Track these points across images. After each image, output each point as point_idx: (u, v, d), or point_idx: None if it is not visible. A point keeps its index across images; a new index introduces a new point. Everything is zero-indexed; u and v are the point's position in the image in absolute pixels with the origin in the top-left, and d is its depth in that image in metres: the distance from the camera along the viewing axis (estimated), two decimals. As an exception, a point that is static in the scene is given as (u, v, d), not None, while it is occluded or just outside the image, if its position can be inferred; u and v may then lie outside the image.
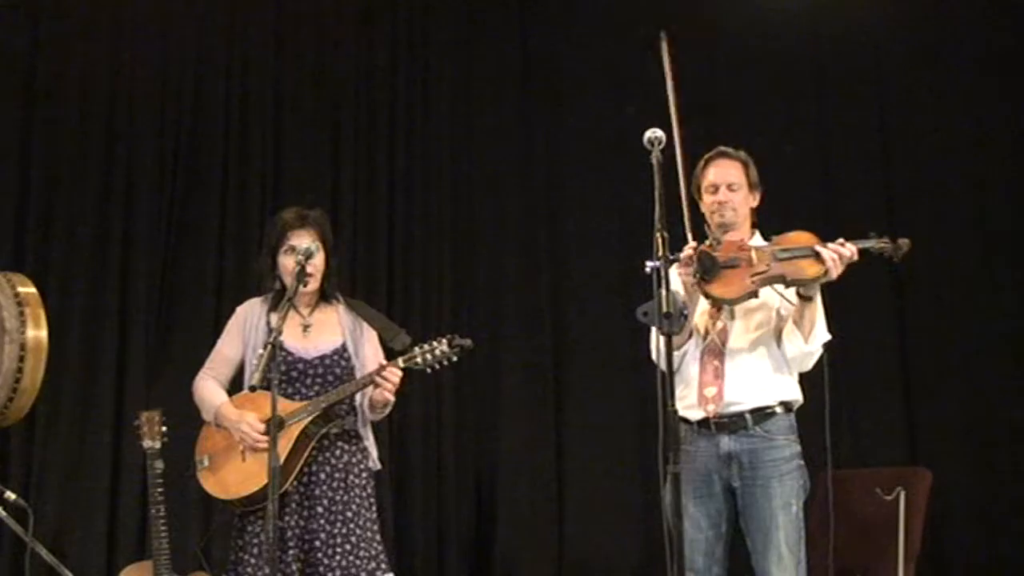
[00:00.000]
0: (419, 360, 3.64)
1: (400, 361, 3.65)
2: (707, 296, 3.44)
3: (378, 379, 3.64)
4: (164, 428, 4.33)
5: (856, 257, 3.34)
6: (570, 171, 5.57)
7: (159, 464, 4.29)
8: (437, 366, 3.66)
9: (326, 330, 3.84)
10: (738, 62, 5.60)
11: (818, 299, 3.43)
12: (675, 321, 2.94)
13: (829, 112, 5.58)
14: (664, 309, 2.92)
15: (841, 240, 3.35)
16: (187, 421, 4.91)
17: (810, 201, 5.41)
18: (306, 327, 3.83)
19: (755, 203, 3.62)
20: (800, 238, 3.42)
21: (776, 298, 3.46)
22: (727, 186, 3.56)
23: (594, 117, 5.54)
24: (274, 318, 3.71)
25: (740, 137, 5.42)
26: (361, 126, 5.49)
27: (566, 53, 5.62)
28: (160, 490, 4.26)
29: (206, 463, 3.83)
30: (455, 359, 3.66)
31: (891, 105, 5.54)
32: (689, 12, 5.54)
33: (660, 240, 3.03)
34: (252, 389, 3.40)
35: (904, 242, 3.37)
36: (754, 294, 3.39)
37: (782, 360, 3.47)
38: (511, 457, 5.34)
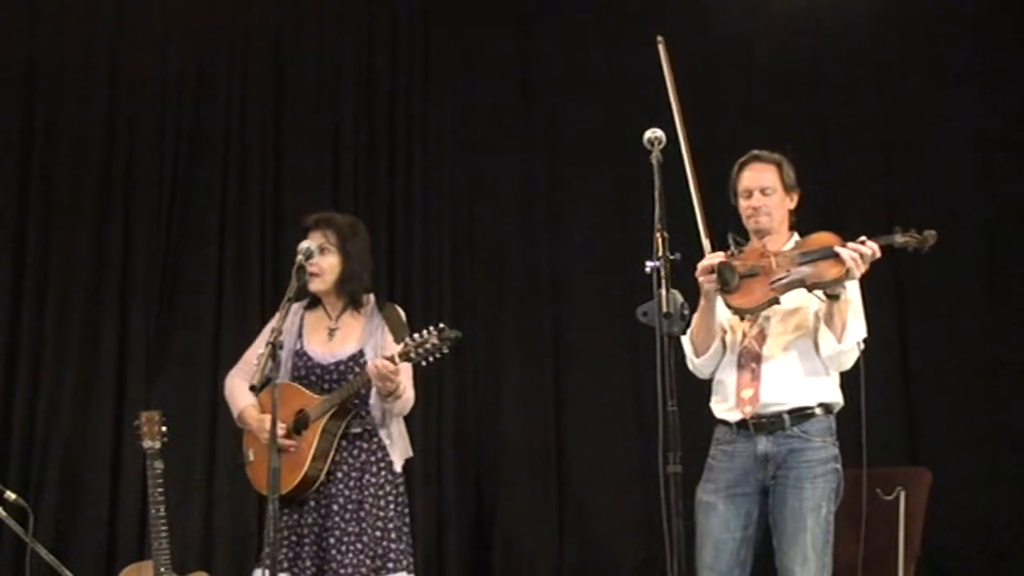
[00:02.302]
0: (412, 355, 3.64)
1: (396, 357, 3.66)
2: (729, 307, 3.44)
3: (369, 366, 3.67)
4: (164, 428, 4.33)
5: (879, 255, 3.29)
6: (570, 170, 5.57)
7: (159, 464, 4.29)
8: (431, 359, 3.66)
9: (349, 335, 3.88)
10: (738, 62, 5.60)
11: (854, 295, 3.41)
12: (675, 321, 2.94)
13: (829, 111, 5.57)
14: (664, 309, 2.92)
15: (863, 238, 3.30)
16: (187, 421, 4.96)
17: (810, 201, 5.39)
18: (332, 331, 3.89)
19: (792, 204, 3.60)
20: (821, 239, 3.38)
21: (813, 299, 3.45)
22: (760, 191, 3.55)
23: (594, 117, 5.54)
24: (308, 317, 3.89)
25: (739, 137, 5.46)
26: (361, 126, 5.49)
27: (566, 53, 5.62)
28: (160, 490, 4.26)
29: (251, 458, 3.89)
30: (447, 350, 3.65)
31: (891, 104, 5.54)
32: (689, 12, 5.55)
33: (660, 240, 3.04)
34: (253, 389, 3.42)
35: (931, 233, 3.31)
36: (775, 301, 3.39)
37: (820, 361, 3.46)
38: (511, 456, 5.34)
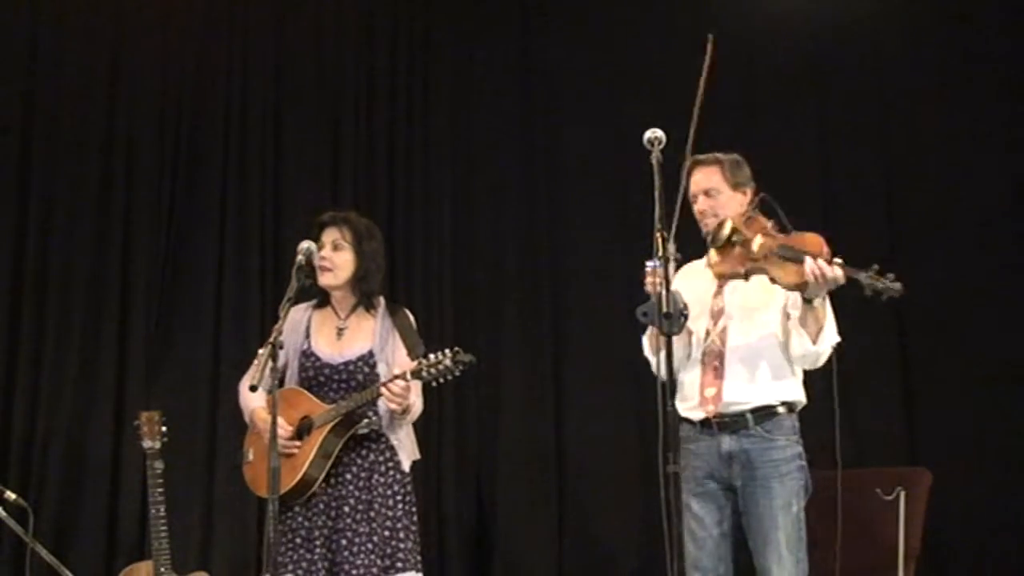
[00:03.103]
0: (424, 374, 3.65)
1: (408, 374, 3.67)
2: (708, 259, 3.47)
3: (382, 391, 3.68)
4: (164, 428, 4.34)
5: (841, 282, 3.26)
6: (571, 170, 5.57)
7: (159, 464, 4.29)
8: (442, 380, 3.68)
9: (359, 336, 3.88)
10: (737, 62, 5.59)
11: (827, 301, 3.41)
12: (675, 321, 2.94)
13: (829, 112, 5.57)
14: (664, 309, 2.92)
15: (838, 260, 3.27)
16: (187, 421, 4.96)
17: (809, 202, 5.41)
18: (340, 330, 3.89)
19: (745, 200, 3.60)
20: (807, 242, 3.36)
21: (781, 296, 3.46)
22: (704, 193, 3.58)
23: (595, 117, 5.54)
24: (316, 316, 3.90)
25: (739, 136, 5.45)
26: (361, 126, 5.49)
27: (567, 52, 5.62)
28: (160, 490, 4.27)
29: (250, 458, 3.89)
30: (458, 373, 3.66)
31: (891, 105, 5.53)
32: (688, 12, 5.55)
33: (660, 240, 3.04)
34: (253, 388, 3.42)
35: (896, 287, 3.22)
36: (741, 276, 3.41)
37: (785, 360, 3.48)
38: (511, 456, 5.34)
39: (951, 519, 4.98)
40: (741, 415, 3.44)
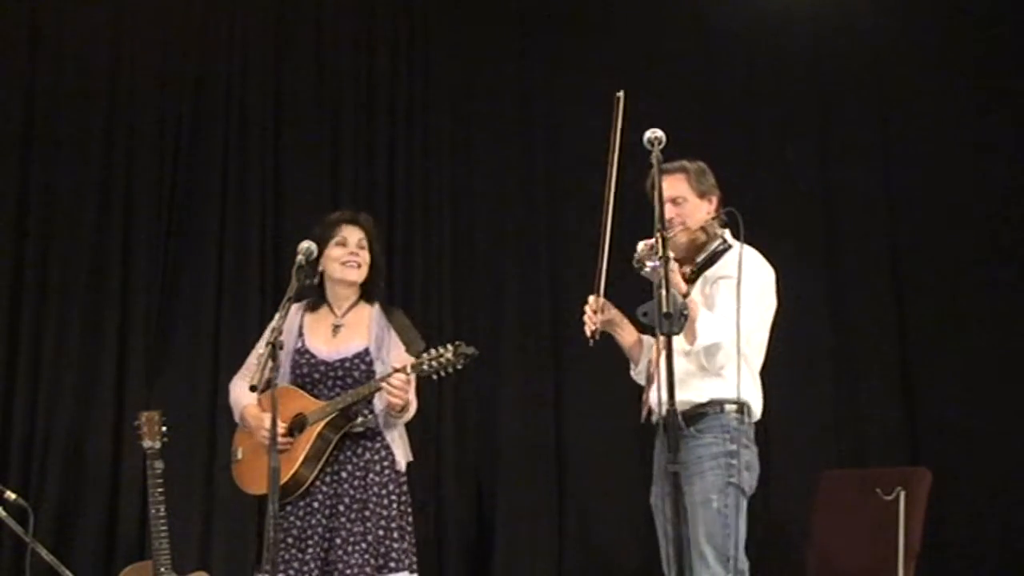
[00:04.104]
0: (425, 367, 3.66)
1: (408, 368, 3.67)
2: None
3: (384, 385, 3.67)
4: (164, 428, 4.34)
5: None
6: (570, 170, 5.56)
7: (159, 464, 4.29)
8: (443, 374, 3.68)
9: (355, 333, 3.88)
10: (737, 63, 5.60)
11: (723, 299, 3.41)
12: (675, 321, 2.94)
13: (829, 112, 5.57)
14: (664, 309, 2.92)
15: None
16: (187, 421, 4.96)
17: (810, 201, 5.41)
18: (336, 328, 3.89)
19: (712, 207, 3.61)
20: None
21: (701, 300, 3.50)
22: (671, 202, 3.58)
23: (594, 116, 5.52)
24: (309, 317, 3.90)
25: (739, 137, 5.46)
26: (361, 127, 5.49)
27: (566, 54, 5.62)
28: (160, 490, 4.27)
29: (239, 456, 3.88)
30: (460, 367, 3.67)
31: (892, 105, 5.53)
32: (687, 13, 5.55)
33: (660, 240, 3.04)
34: (253, 388, 3.41)
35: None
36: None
37: (723, 358, 3.45)
38: (511, 456, 5.33)
39: (951, 519, 4.98)
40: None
